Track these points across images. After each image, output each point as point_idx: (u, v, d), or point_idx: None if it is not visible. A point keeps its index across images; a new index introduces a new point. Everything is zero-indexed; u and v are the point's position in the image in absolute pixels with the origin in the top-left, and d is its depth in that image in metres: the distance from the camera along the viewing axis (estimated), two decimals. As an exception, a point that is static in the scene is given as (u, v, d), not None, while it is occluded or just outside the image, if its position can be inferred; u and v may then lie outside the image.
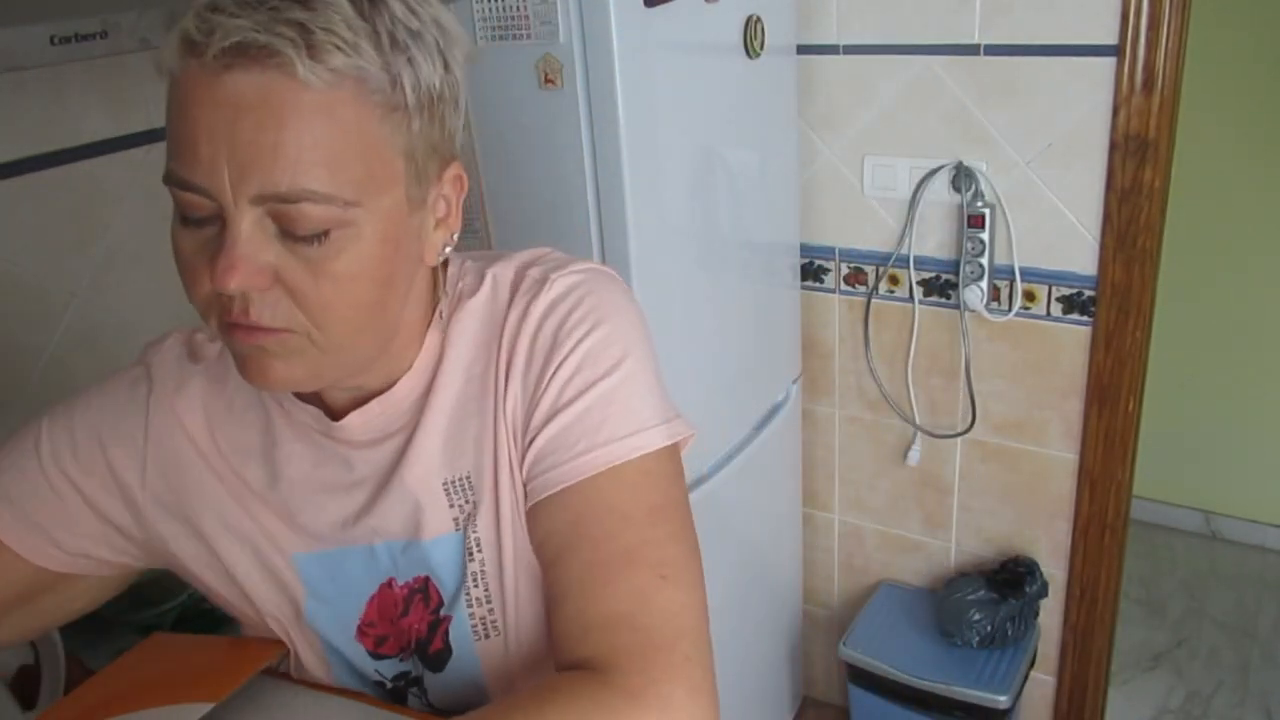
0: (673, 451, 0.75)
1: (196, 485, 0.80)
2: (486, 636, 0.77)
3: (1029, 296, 1.82)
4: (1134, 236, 1.68)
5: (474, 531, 0.76)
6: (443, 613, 0.78)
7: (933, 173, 1.81)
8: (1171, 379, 2.81)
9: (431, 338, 0.77)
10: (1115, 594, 1.95)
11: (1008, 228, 1.79)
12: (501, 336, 0.76)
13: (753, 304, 1.87)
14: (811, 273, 2.04)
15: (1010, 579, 1.94)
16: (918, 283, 1.91)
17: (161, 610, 1.22)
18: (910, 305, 1.94)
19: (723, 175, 1.70)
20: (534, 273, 0.78)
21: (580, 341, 0.73)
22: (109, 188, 1.46)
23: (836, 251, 1.99)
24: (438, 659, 0.79)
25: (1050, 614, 2.01)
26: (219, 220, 0.63)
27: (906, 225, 1.87)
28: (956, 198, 1.81)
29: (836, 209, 1.96)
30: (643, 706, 0.63)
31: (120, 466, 0.80)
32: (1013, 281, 1.81)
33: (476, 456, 0.76)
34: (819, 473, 2.20)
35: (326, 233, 0.63)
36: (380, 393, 0.76)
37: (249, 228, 0.62)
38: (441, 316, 0.77)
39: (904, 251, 1.89)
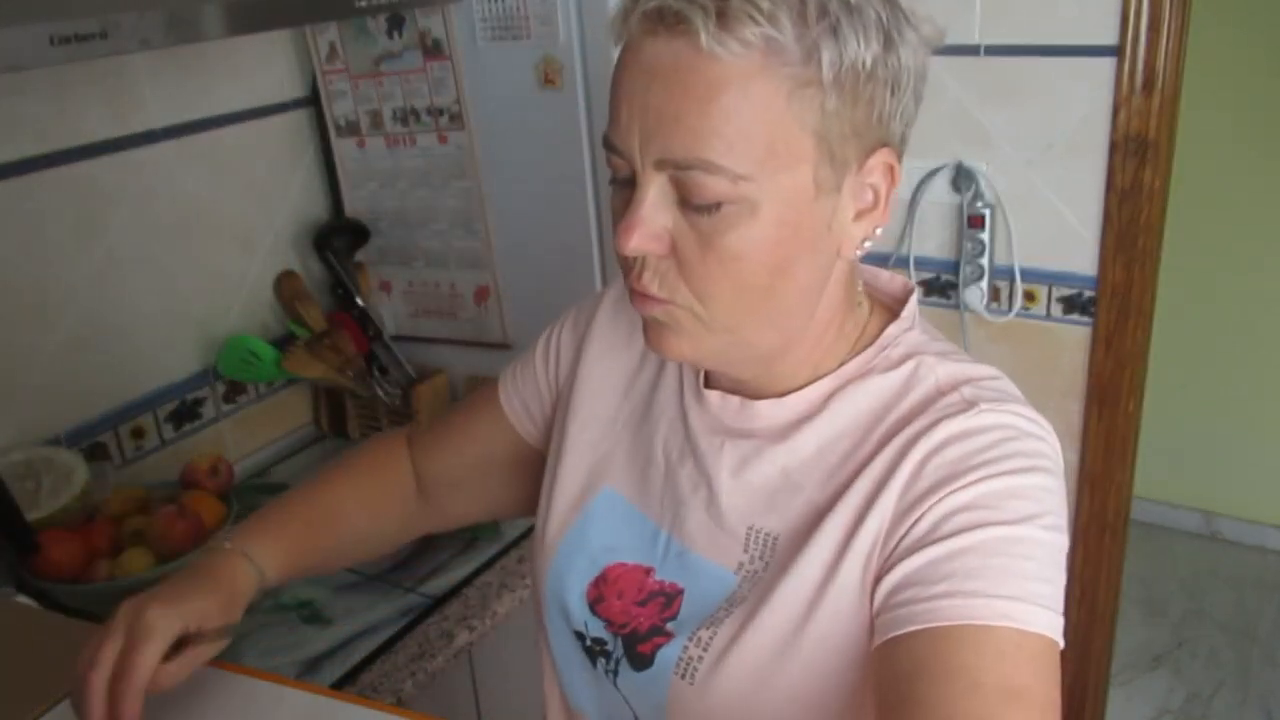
0: (1053, 648, 0.62)
1: (585, 389, 0.86)
2: (682, 676, 0.73)
3: (1029, 297, 1.82)
4: (1134, 237, 1.68)
5: (746, 590, 0.72)
6: (669, 626, 0.75)
7: (933, 173, 1.81)
8: (1171, 379, 2.81)
9: (824, 384, 0.72)
10: (1115, 594, 1.95)
11: (1008, 228, 1.79)
12: (888, 441, 0.68)
13: (753, 304, 1.86)
14: (911, 281, 2.03)
15: (1010, 579, 1.94)
16: (918, 283, 1.91)
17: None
18: (910, 305, 1.94)
19: (723, 175, 1.70)
20: (966, 391, 0.69)
21: (985, 480, 0.64)
22: (109, 188, 1.46)
23: (836, 252, 1.99)
24: (639, 659, 0.76)
25: (1050, 614, 2.01)
26: (634, 183, 0.64)
27: (906, 225, 1.87)
28: (956, 198, 1.81)
29: (836, 209, 1.95)
30: None
31: (564, 365, 0.89)
32: (1013, 282, 1.81)
33: (787, 530, 0.72)
34: (819, 473, 2.20)
35: (719, 205, 0.62)
36: (755, 398, 0.74)
37: (654, 193, 0.63)
38: (842, 366, 0.73)
39: (904, 252, 1.89)
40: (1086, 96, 1.66)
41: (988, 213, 1.78)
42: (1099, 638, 1.97)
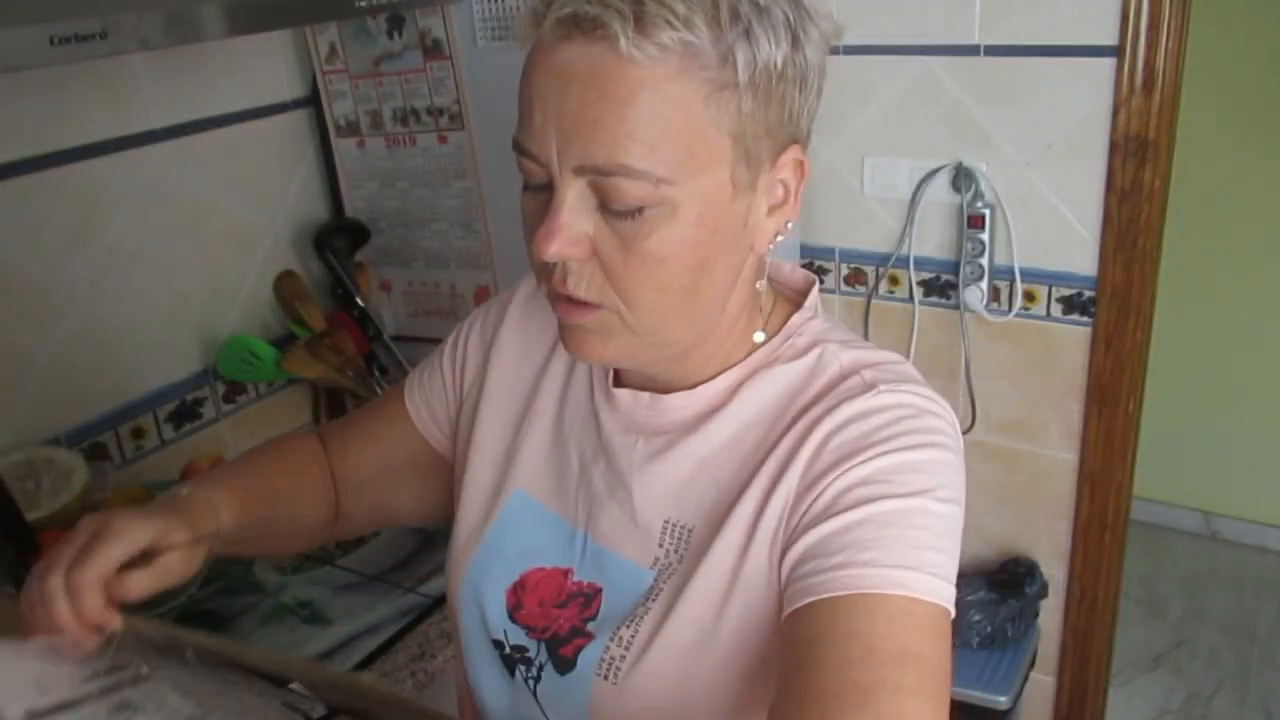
0: (944, 616, 0.64)
1: (494, 391, 0.86)
2: (605, 677, 0.73)
3: (1029, 297, 1.82)
4: (1134, 237, 1.68)
5: (662, 583, 0.73)
6: (589, 626, 0.75)
7: (933, 173, 1.81)
8: (1171, 379, 2.81)
9: (732, 374, 0.74)
10: (1115, 594, 1.95)
11: (1007, 228, 1.79)
12: (793, 425, 0.70)
13: (753, 304, 1.86)
14: (811, 273, 2.04)
15: (1010, 579, 1.94)
16: (918, 283, 1.91)
17: (164, 610, 1.22)
18: (910, 306, 1.94)
19: (723, 175, 1.70)
20: (866, 375, 0.70)
21: (882, 455, 0.66)
22: (109, 188, 1.46)
23: (836, 252, 1.99)
24: (562, 663, 0.76)
25: (1050, 614, 2.01)
26: (550, 188, 0.64)
27: (906, 226, 1.87)
28: (956, 198, 1.81)
29: (836, 209, 1.95)
30: None
31: (471, 368, 0.89)
32: (1013, 282, 1.81)
33: (702, 520, 0.73)
34: (819, 473, 2.19)
35: (641, 209, 0.62)
36: (665, 391, 0.75)
37: (572, 198, 0.63)
38: (749, 356, 0.74)
39: (904, 252, 1.89)
40: (1086, 96, 1.66)
41: (988, 213, 1.78)
42: (1099, 638, 1.97)
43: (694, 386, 0.74)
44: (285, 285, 1.72)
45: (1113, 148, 1.66)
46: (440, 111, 1.59)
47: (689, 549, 0.73)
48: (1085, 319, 1.78)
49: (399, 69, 1.60)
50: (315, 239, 1.73)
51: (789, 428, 0.71)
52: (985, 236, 1.79)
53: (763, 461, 0.71)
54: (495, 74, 1.50)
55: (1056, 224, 1.76)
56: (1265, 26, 2.63)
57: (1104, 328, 1.76)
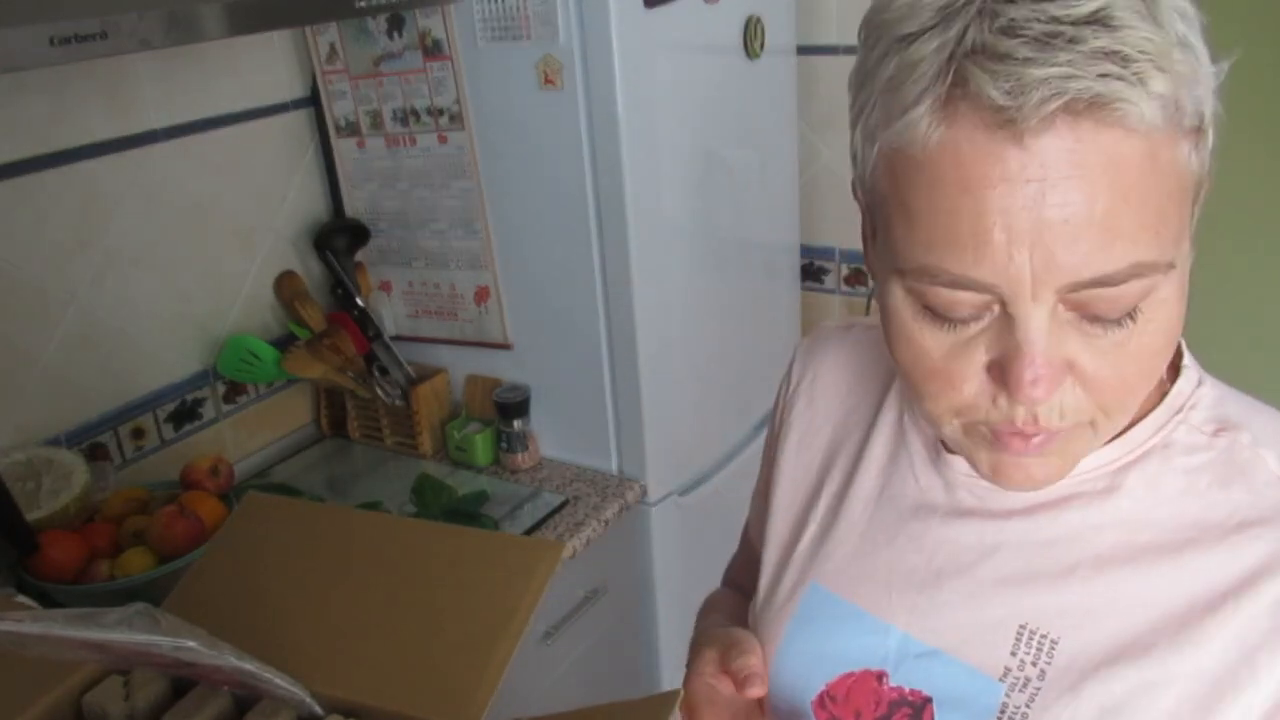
0: None
1: (793, 444, 0.76)
2: None
3: (1029, 297, 1.82)
4: (1134, 237, 1.68)
5: (1018, 701, 0.59)
6: None
7: (933, 173, 1.81)
8: (1171, 379, 2.81)
9: (1110, 453, 0.59)
10: (1115, 594, 1.95)
11: (1008, 228, 1.79)
12: (1233, 559, 0.56)
13: (752, 304, 1.86)
14: (812, 273, 2.04)
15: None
16: (918, 283, 1.92)
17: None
18: (910, 305, 1.94)
19: (722, 175, 1.70)
20: None
21: None
22: (109, 188, 1.46)
23: (836, 252, 1.99)
24: None
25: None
26: (988, 314, 0.51)
27: (906, 225, 1.87)
28: (956, 198, 1.81)
29: (836, 209, 1.95)
30: None
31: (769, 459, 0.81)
32: (1013, 282, 1.81)
33: (1072, 632, 0.58)
34: (819, 473, 2.19)
35: (1134, 309, 0.50)
36: None
37: (1046, 322, 0.49)
38: (1129, 430, 0.59)
39: (904, 252, 1.90)
40: (1086, 96, 1.66)
41: (988, 213, 1.78)
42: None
43: None
44: (285, 285, 1.72)
45: (1113, 148, 1.66)
46: (440, 111, 1.59)
47: (1053, 665, 0.58)
48: (1085, 319, 1.78)
49: (399, 69, 1.60)
50: (315, 239, 1.73)
51: (1231, 564, 0.56)
52: (985, 236, 1.79)
53: (1188, 598, 0.57)
54: (495, 74, 1.50)
55: (1056, 224, 1.76)
56: (1266, 27, 2.63)
57: (1104, 328, 1.76)
